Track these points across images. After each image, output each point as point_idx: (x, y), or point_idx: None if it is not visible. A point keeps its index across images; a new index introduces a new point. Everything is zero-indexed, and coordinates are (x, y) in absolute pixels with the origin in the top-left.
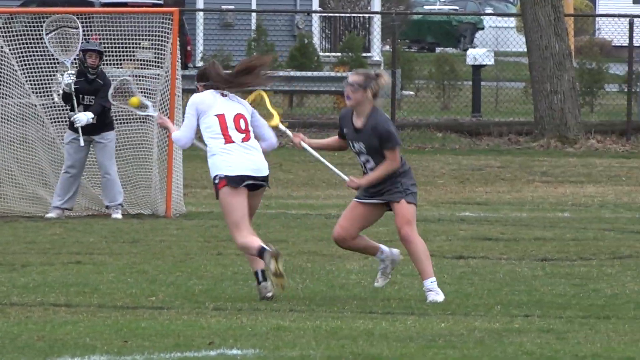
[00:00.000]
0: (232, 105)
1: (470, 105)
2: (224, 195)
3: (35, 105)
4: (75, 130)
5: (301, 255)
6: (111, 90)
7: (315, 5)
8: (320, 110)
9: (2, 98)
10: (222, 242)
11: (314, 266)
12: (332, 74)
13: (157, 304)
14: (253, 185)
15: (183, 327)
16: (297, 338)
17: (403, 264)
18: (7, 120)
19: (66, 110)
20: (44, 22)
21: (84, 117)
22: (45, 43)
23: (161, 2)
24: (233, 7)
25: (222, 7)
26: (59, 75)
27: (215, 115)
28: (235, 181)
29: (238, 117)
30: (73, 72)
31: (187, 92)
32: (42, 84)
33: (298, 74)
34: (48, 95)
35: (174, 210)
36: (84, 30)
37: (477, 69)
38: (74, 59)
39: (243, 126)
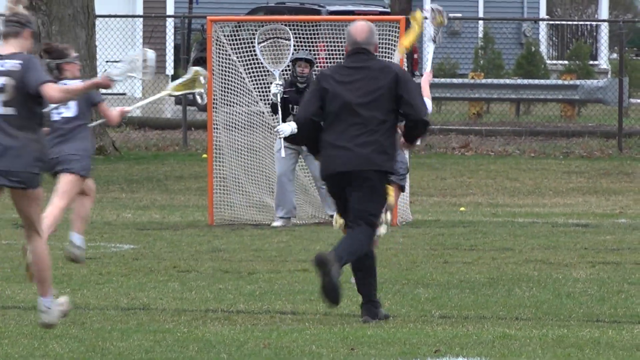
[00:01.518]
0: None
1: None
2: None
3: (263, 113)
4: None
5: (528, 263)
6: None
7: (543, 13)
8: (547, 118)
9: (230, 106)
10: (449, 250)
11: (541, 274)
12: (560, 82)
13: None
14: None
15: (409, 335)
16: (523, 346)
17: (631, 273)
18: (235, 128)
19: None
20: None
21: (287, 128)
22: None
23: (388, 10)
24: (460, 15)
25: (449, 15)
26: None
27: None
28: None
29: None
30: (281, 82)
31: None
32: (269, 91)
33: (525, 82)
34: (270, 103)
35: (400, 219)
36: (311, 38)
37: None
38: (283, 70)
39: None
